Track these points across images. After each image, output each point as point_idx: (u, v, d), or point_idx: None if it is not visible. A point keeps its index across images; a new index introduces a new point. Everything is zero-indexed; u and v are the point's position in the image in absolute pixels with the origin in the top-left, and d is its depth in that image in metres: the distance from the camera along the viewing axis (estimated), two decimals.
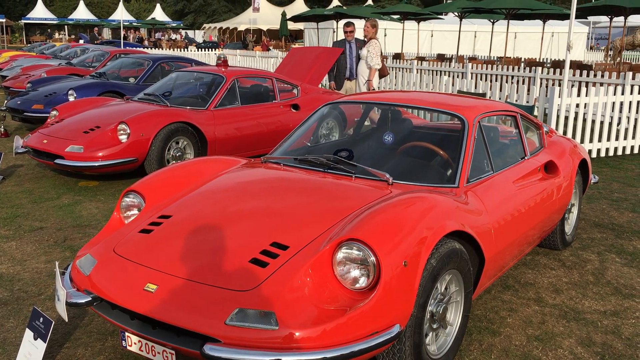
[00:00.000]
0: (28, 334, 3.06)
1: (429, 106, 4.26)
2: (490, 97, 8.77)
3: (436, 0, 47.82)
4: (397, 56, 20.20)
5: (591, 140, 8.66)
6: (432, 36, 28.70)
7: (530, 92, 9.05)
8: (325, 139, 5.82)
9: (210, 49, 25.92)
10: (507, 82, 13.09)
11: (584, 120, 8.57)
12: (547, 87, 10.30)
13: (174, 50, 25.59)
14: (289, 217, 3.13)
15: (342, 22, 14.78)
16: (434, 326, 3.02)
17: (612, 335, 3.61)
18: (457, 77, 13.64)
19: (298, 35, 44.23)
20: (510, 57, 19.99)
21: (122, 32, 23.43)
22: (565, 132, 8.37)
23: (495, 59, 20.22)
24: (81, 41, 30.17)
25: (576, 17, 8.59)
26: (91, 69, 12.54)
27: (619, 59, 18.97)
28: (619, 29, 28.58)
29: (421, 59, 19.50)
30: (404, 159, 4.04)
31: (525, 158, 4.27)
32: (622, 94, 8.67)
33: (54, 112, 7.70)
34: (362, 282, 2.66)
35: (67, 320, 3.05)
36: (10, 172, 7.43)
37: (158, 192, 3.60)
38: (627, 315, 3.88)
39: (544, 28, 22.34)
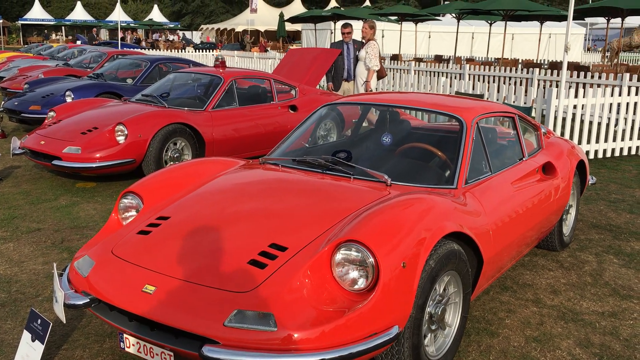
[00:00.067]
0: (26, 335, 3.05)
1: (427, 107, 4.27)
2: (487, 99, 8.78)
3: (434, 2, 47.91)
4: (395, 57, 20.21)
5: (589, 142, 8.68)
6: (429, 37, 28.72)
7: (528, 93, 9.07)
8: (323, 140, 5.82)
9: (207, 50, 25.90)
10: (504, 83, 13.11)
11: (582, 121, 8.58)
12: (544, 88, 10.32)
13: (171, 51, 25.56)
14: (288, 218, 3.13)
15: (340, 23, 14.81)
16: (433, 327, 3.02)
17: (610, 336, 3.62)
18: (455, 78, 13.64)
19: (296, 36, 44.25)
20: (507, 59, 20.01)
21: (120, 33, 23.39)
22: (562, 134, 8.38)
23: (492, 60, 20.23)
24: (78, 42, 30.12)
25: (573, 19, 8.60)
26: (89, 70, 12.53)
27: (616, 60, 19.00)
28: (616, 31, 28.64)
29: (419, 60, 19.50)
30: (402, 160, 4.04)
31: (523, 159, 4.28)
32: (620, 95, 8.69)
33: (52, 113, 7.69)
34: (361, 283, 2.66)
35: (65, 322, 3.05)
36: (7, 174, 7.42)
37: (156, 194, 3.60)
38: (625, 316, 3.88)
39: (541, 29, 22.37)
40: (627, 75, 10.75)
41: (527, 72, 13.09)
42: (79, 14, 53.37)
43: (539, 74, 12.84)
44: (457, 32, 21.19)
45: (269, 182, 3.66)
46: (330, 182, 3.54)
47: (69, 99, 9.16)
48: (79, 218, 5.68)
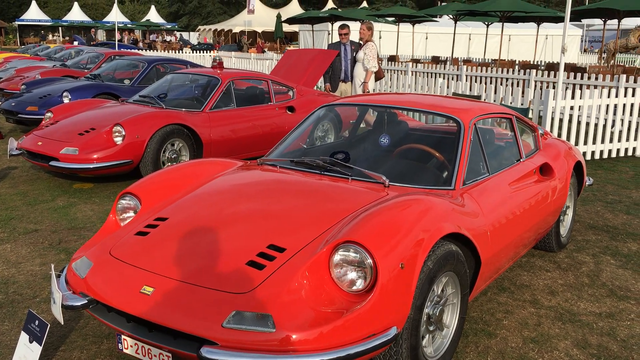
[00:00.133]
0: (23, 336, 3.05)
1: (425, 108, 4.27)
2: (485, 100, 8.80)
3: (431, 3, 47.99)
4: (392, 58, 20.23)
5: (585, 143, 8.70)
6: (426, 39, 28.75)
7: (525, 94, 9.09)
8: (321, 141, 5.82)
9: (205, 51, 25.89)
10: (501, 84, 13.14)
11: (579, 122, 8.60)
12: (541, 89, 10.33)
13: (168, 52, 25.54)
14: (286, 220, 3.13)
15: (337, 24, 14.80)
16: (431, 328, 3.03)
17: (608, 337, 3.63)
18: (452, 79, 13.67)
19: (293, 37, 44.27)
20: (504, 60, 20.04)
21: (117, 34, 23.37)
22: (559, 135, 8.40)
23: (489, 61, 20.27)
24: (75, 43, 30.08)
25: (570, 20, 8.62)
26: (86, 70, 12.52)
27: (612, 61, 19.05)
28: (612, 32, 28.73)
29: (416, 61, 19.53)
30: (400, 161, 4.05)
31: (521, 160, 4.29)
32: (616, 96, 8.71)
33: (49, 114, 7.68)
34: (359, 284, 2.66)
35: (62, 323, 3.05)
36: (4, 174, 7.40)
37: (154, 195, 3.59)
38: (622, 317, 3.89)
39: (538, 31, 22.43)
40: (624, 76, 10.79)
41: (524, 74, 13.11)
42: (76, 14, 53.32)
43: (536, 75, 12.86)
44: (454, 34, 21.22)
45: (267, 183, 3.66)
46: (328, 183, 3.55)
47: (66, 100, 9.15)
48: (77, 219, 5.68)
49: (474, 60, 21.83)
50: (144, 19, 53.40)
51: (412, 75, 13.96)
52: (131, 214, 3.55)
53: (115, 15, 26.29)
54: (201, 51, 25.36)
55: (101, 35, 46.22)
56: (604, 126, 8.80)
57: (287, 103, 8.20)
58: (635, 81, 10.69)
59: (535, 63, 19.81)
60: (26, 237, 5.18)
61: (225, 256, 2.87)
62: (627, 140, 9.07)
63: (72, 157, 6.48)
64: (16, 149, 7.03)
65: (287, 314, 2.51)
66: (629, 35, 20.28)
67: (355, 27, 12.45)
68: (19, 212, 5.89)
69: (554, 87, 11.62)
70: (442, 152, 3.91)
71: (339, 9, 39.71)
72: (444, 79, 12.80)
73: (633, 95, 8.87)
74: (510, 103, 8.83)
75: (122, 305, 2.74)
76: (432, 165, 3.92)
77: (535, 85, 12.73)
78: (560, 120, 8.43)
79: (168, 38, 46.84)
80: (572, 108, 8.46)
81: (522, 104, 8.68)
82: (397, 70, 15.22)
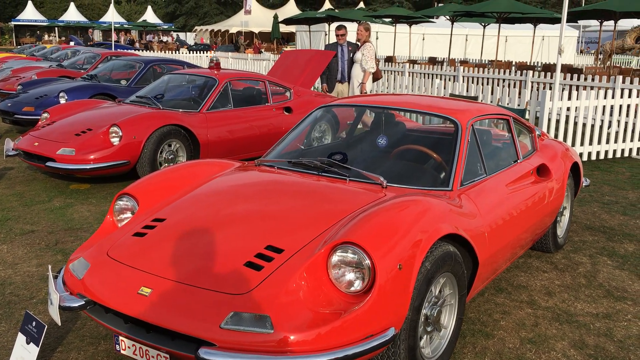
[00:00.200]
0: (20, 338, 3.04)
1: (422, 109, 4.27)
2: (481, 101, 8.81)
3: (428, 4, 48.05)
4: (389, 59, 20.25)
5: (582, 144, 8.72)
6: (423, 39, 28.78)
7: (522, 95, 9.10)
8: (318, 142, 5.82)
9: (201, 52, 25.87)
10: (498, 85, 13.16)
11: (575, 123, 8.63)
12: (538, 90, 10.35)
13: (165, 52, 25.51)
14: (284, 220, 3.13)
15: (334, 25, 14.82)
16: (429, 329, 3.03)
17: (605, 337, 3.63)
18: (449, 80, 13.69)
19: (290, 38, 44.26)
20: (501, 61, 20.09)
21: (114, 34, 23.33)
22: (556, 136, 8.42)
23: (486, 62, 20.31)
24: (72, 43, 30.02)
25: (567, 21, 8.65)
26: (82, 71, 12.49)
27: (608, 62, 19.10)
28: (609, 33, 28.78)
29: (413, 62, 19.54)
30: (397, 162, 4.05)
31: (518, 161, 4.29)
32: (613, 97, 8.74)
33: (45, 115, 7.66)
34: (357, 285, 2.66)
35: (60, 324, 3.03)
36: (0, 175, 7.38)
37: (152, 195, 3.59)
38: (619, 317, 3.90)
39: (534, 32, 22.47)
40: (620, 77, 10.82)
41: (521, 75, 13.14)
42: (72, 14, 53.19)
43: (533, 76, 12.89)
44: (451, 35, 21.25)
45: (264, 184, 3.65)
46: (326, 184, 3.55)
47: (62, 100, 9.13)
48: (73, 220, 5.66)
49: (471, 61, 21.86)
50: (140, 20, 53.32)
51: (409, 76, 13.97)
52: (128, 215, 3.54)
53: (112, 16, 26.17)
54: (198, 52, 25.33)
55: (97, 36, 46.17)
56: (601, 127, 8.82)
57: (284, 104, 8.19)
58: (631, 82, 10.72)
59: (532, 64, 19.85)
60: (23, 238, 5.16)
61: (223, 257, 2.87)
62: (624, 141, 9.09)
63: (69, 157, 6.47)
64: (12, 149, 7.01)
65: (285, 315, 2.51)
66: (625, 36, 20.35)
67: (352, 28, 12.46)
68: (16, 212, 5.87)
69: (550, 88, 11.65)
70: (440, 153, 3.92)
71: (336, 10, 39.72)
72: (440, 79, 12.82)
73: (629, 96, 8.89)
74: (507, 104, 8.84)
75: (120, 307, 2.73)
76: (430, 166, 3.93)
77: (532, 87, 12.75)
78: (557, 121, 8.45)
79: (164, 38, 46.77)
80: (568, 109, 8.48)
81: (518, 105, 8.70)
82: (394, 71, 15.23)
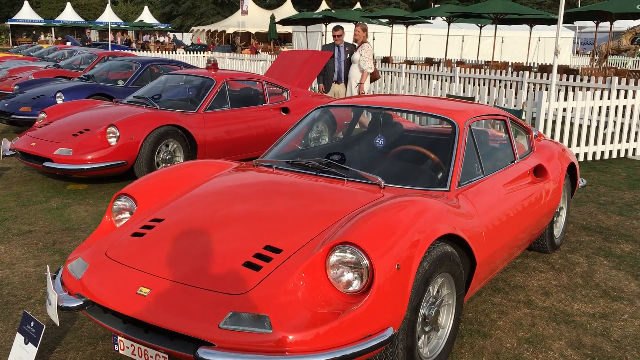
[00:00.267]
0: (19, 338, 3.04)
1: (420, 110, 4.29)
2: (478, 101, 8.83)
3: (424, 5, 48.11)
4: (386, 60, 20.27)
5: (578, 144, 8.74)
6: (420, 40, 28.83)
7: (518, 96, 9.12)
8: (315, 143, 5.83)
9: (198, 52, 25.85)
10: (494, 86, 13.19)
11: (571, 124, 8.65)
12: (534, 91, 10.39)
13: (162, 52, 25.49)
14: (282, 221, 3.13)
15: (331, 25, 14.82)
16: (426, 329, 3.04)
17: (602, 337, 3.65)
18: (445, 81, 13.71)
19: (286, 38, 44.28)
20: (497, 62, 20.13)
21: (110, 35, 23.30)
22: (552, 136, 8.45)
23: (483, 63, 20.35)
24: (68, 43, 29.97)
25: (563, 22, 8.67)
26: (79, 71, 12.48)
27: (604, 63, 19.16)
28: (604, 34, 28.89)
29: (410, 62, 19.57)
30: (395, 163, 4.06)
31: (515, 162, 4.31)
32: (609, 98, 8.77)
33: (42, 115, 7.65)
34: (356, 285, 2.67)
35: (58, 325, 3.04)
36: None
37: (150, 196, 3.59)
38: (615, 317, 3.92)
39: (530, 33, 22.53)
40: (616, 78, 10.86)
41: (517, 75, 13.17)
42: (68, 15, 53.12)
43: (529, 77, 12.92)
44: (448, 35, 21.29)
45: (262, 184, 3.66)
46: (324, 185, 3.55)
47: (59, 101, 9.12)
48: (71, 220, 5.66)
49: (467, 61, 21.91)
50: (137, 20, 53.27)
51: (405, 76, 13.99)
52: (127, 215, 3.54)
53: (109, 16, 26.17)
54: (195, 52, 25.32)
55: (94, 36, 46.09)
56: (597, 128, 8.85)
57: (281, 104, 8.20)
58: (627, 83, 10.76)
59: (528, 65, 19.90)
60: (20, 238, 5.16)
61: (222, 257, 2.87)
62: (620, 142, 9.12)
63: (66, 158, 6.46)
64: (10, 149, 7.00)
65: (283, 315, 2.52)
66: (621, 37, 20.43)
67: (348, 29, 12.46)
68: (13, 213, 5.87)
69: (546, 89, 11.68)
70: (437, 153, 3.93)
71: (333, 11, 39.75)
72: (437, 80, 12.84)
73: (625, 97, 8.93)
74: (504, 104, 8.87)
75: (119, 307, 2.73)
76: (428, 167, 3.94)
77: (528, 87, 12.79)
78: (553, 122, 8.48)
79: (161, 39, 46.72)
80: (564, 110, 8.51)
81: (515, 106, 8.72)
82: (391, 72, 15.25)
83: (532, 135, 4.84)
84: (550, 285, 4.40)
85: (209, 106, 7.41)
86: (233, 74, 8.35)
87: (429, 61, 20.78)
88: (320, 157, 3.85)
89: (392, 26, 23.21)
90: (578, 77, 11.92)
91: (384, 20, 24.29)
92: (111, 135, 6.59)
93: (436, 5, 35.68)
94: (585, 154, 8.82)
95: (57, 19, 53.70)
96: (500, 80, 13.51)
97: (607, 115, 8.91)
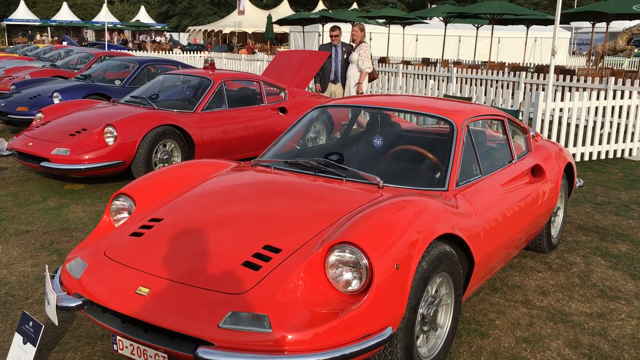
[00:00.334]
0: (17, 338, 3.04)
1: (418, 110, 4.30)
2: (475, 102, 8.84)
3: (421, 5, 48.16)
4: (383, 60, 20.29)
5: (575, 145, 8.77)
6: (417, 40, 28.84)
7: (515, 96, 9.14)
8: (312, 143, 5.84)
9: (195, 52, 25.82)
10: (491, 86, 13.21)
11: (568, 124, 8.68)
12: (530, 91, 10.41)
13: (158, 52, 25.45)
14: (281, 220, 3.14)
15: (328, 25, 14.83)
16: (425, 328, 3.05)
17: (599, 336, 3.66)
18: (442, 81, 13.73)
19: (283, 38, 44.25)
20: (494, 62, 20.17)
21: (107, 34, 23.25)
22: (549, 137, 8.46)
23: (479, 63, 20.38)
24: (65, 43, 29.90)
25: (559, 23, 8.69)
26: (76, 71, 12.45)
27: (600, 64, 19.21)
28: (601, 35, 28.95)
29: (407, 63, 19.59)
30: (394, 163, 4.07)
31: (513, 162, 4.32)
32: (605, 98, 8.80)
33: (39, 115, 7.63)
34: (355, 284, 2.68)
35: (57, 324, 3.04)
36: None
37: (149, 195, 3.59)
38: (612, 317, 3.93)
39: (527, 33, 22.57)
40: (612, 79, 10.89)
41: (514, 76, 13.20)
42: (64, 14, 52.95)
43: (526, 77, 12.95)
44: (445, 36, 21.32)
45: (261, 184, 3.66)
46: (323, 184, 3.56)
47: (56, 100, 9.10)
48: (68, 220, 5.65)
49: (464, 62, 21.94)
50: (133, 20, 53.15)
51: (402, 77, 14.01)
52: (125, 215, 3.54)
53: (105, 16, 26.13)
54: (192, 52, 25.28)
55: (90, 36, 45.98)
56: (593, 128, 8.87)
57: (279, 104, 8.20)
58: (623, 84, 10.79)
59: (525, 65, 19.94)
60: (17, 238, 5.15)
61: (221, 257, 2.88)
62: (616, 142, 9.15)
63: (64, 157, 6.45)
64: (6, 149, 6.99)
65: (283, 314, 2.52)
66: (617, 38, 20.47)
67: (345, 29, 12.48)
68: (10, 213, 5.85)
69: (543, 89, 11.71)
70: (436, 153, 3.94)
71: (330, 11, 39.74)
72: (434, 80, 12.86)
73: (622, 97, 8.95)
74: (501, 105, 8.89)
75: (118, 306, 2.73)
76: (426, 167, 3.95)
77: (525, 88, 12.82)
78: (550, 122, 8.50)
79: (158, 39, 46.65)
80: (561, 110, 8.53)
81: (512, 106, 8.75)
82: (388, 72, 15.27)
83: (530, 136, 4.85)
84: (548, 285, 4.41)
85: (207, 106, 7.41)
86: (231, 74, 8.35)
87: (426, 61, 20.80)
88: (318, 157, 3.85)
89: (389, 26, 23.23)
90: (574, 78, 11.95)
91: (380, 21, 24.32)
92: (108, 135, 6.58)
93: (433, 6, 35.72)
94: (582, 154, 8.85)
95: (53, 18, 53.51)
96: (497, 81, 13.54)
97: (603, 116, 8.94)
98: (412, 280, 2.76)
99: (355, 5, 46.44)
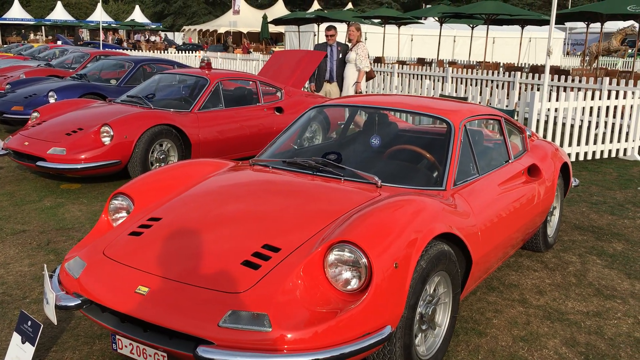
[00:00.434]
0: (16, 337, 3.03)
1: (415, 110, 4.31)
2: (471, 102, 8.87)
3: (416, 5, 48.22)
4: (378, 60, 20.31)
5: (570, 144, 8.80)
6: (412, 40, 28.89)
7: (510, 96, 9.17)
8: (308, 142, 5.84)
9: (190, 51, 25.77)
10: (486, 86, 13.25)
11: (563, 124, 8.71)
12: (526, 91, 10.44)
13: (153, 52, 25.40)
14: (280, 220, 3.15)
15: (323, 25, 14.84)
16: (423, 327, 3.06)
17: (595, 335, 3.69)
18: (437, 81, 13.76)
19: (278, 38, 44.23)
20: (489, 62, 20.22)
21: (102, 34, 23.20)
22: (544, 136, 8.49)
23: (474, 63, 20.43)
24: (59, 42, 29.79)
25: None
26: (71, 70, 12.42)
27: (595, 64, 19.30)
28: (595, 35, 29.08)
29: (402, 63, 19.62)
30: (391, 162, 4.08)
31: (510, 161, 4.34)
32: (600, 98, 8.84)
33: (35, 114, 7.62)
34: (354, 284, 2.68)
35: (56, 324, 3.04)
36: None
37: (147, 195, 3.59)
38: (609, 315, 3.96)
39: (522, 33, 22.63)
40: (607, 79, 10.93)
41: (509, 76, 13.23)
42: (59, 13, 52.76)
43: (521, 77, 12.99)
44: (440, 36, 21.36)
45: (259, 184, 3.67)
46: (321, 184, 3.57)
47: (52, 100, 9.08)
48: (65, 219, 5.64)
49: (459, 62, 21.98)
50: (128, 19, 53.02)
51: (397, 76, 14.03)
52: (124, 214, 3.54)
53: (100, 15, 26.08)
54: (187, 52, 25.24)
55: (85, 35, 45.86)
56: (588, 128, 8.91)
57: (275, 104, 8.21)
58: (617, 84, 10.84)
59: (520, 65, 20.00)
60: (14, 237, 5.14)
61: (220, 256, 2.88)
62: (611, 142, 9.19)
63: (60, 157, 6.44)
64: (2, 149, 6.97)
65: (282, 313, 2.53)
66: (611, 38, 20.58)
67: (341, 29, 12.50)
68: (6, 212, 5.84)
69: (538, 89, 11.75)
70: (433, 153, 3.95)
71: (325, 11, 39.76)
72: (430, 80, 12.89)
73: (616, 97, 9.00)
74: (497, 105, 8.91)
75: (117, 305, 2.73)
76: (423, 166, 3.96)
77: (520, 88, 12.85)
78: (545, 122, 8.53)
79: (152, 38, 46.55)
80: (556, 110, 8.56)
81: (507, 106, 8.77)
82: (383, 72, 15.28)
83: (526, 135, 4.88)
84: (544, 284, 4.43)
85: (203, 106, 7.41)
86: (227, 74, 8.35)
87: (421, 61, 20.83)
88: (316, 157, 3.86)
89: (384, 26, 23.25)
90: (569, 78, 12.00)
91: (376, 21, 24.33)
92: (105, 134, 6.57)
93: (428, 6, 35.79)
94: (577, 154, 8.89)
95: (47, 17, 53.32)
96: (492, 81, 13.57)
97: (598, 116, 8.98)
98: (411, 279, 2.77)
99: (350, 5, 46.47)
